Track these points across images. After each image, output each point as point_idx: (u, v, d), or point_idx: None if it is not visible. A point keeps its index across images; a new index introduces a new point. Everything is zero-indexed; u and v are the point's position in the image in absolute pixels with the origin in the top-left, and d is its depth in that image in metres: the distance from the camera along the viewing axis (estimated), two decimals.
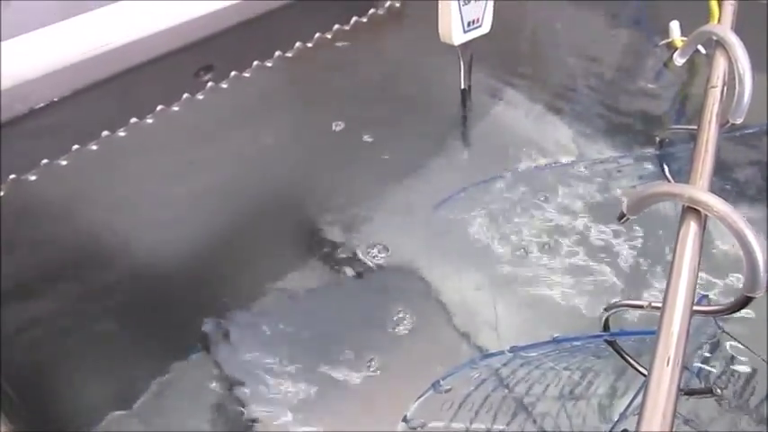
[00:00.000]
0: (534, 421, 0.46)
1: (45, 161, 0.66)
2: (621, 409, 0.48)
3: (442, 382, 0.47)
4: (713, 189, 0.38)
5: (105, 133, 0.69)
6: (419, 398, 0.47)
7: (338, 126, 0.70)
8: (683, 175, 0.61)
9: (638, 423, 0.28)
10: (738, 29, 0.53)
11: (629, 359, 0.44)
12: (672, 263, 0.33)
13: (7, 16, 0.61)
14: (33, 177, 0.65)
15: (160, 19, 0.66)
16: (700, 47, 0.69)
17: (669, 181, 0.61)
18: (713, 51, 0.50)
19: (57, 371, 0.54)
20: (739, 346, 0.49)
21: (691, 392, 0.45)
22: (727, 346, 0.49)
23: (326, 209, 0.63)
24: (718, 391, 0.45)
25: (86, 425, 0.49)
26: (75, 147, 0.67)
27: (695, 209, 0.34)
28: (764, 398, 0.48)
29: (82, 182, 0.66)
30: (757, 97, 0.48)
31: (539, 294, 0.56)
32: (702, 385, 0.47)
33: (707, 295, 0.49)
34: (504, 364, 0.46)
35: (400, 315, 0.56)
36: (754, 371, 0.48)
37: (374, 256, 0.60)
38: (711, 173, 0.38)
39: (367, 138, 0.69)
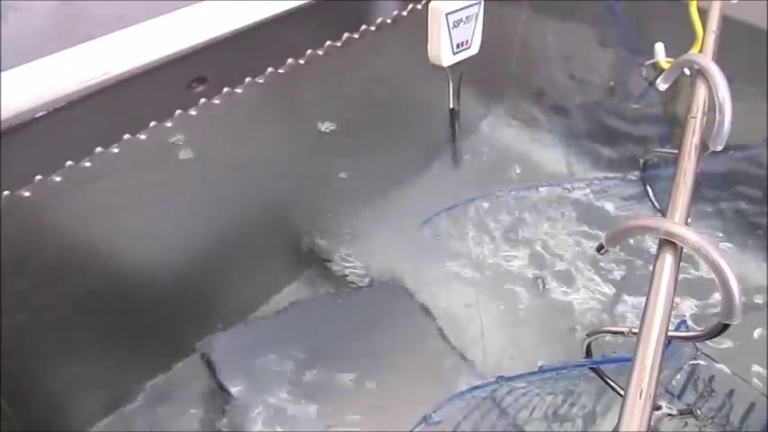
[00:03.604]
0: None
1: (39, 177, 0.66)
2: (605, 428, 0.49)
3: (432, 415, 0.48)
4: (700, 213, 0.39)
5: (98, 149, 0.69)
6: None
7: (328, 145, 0.71)
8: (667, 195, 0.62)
9: None
10: (731, 53, 0.54)
11: (611, 383, 0.45)
12: (648, 295, 0.34)
13: (4, 46, 0.61)
14: (27, 194, 0.66)
15: (160, 46, 0.67)
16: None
17: (652, 203, 0.62)
18: (694, 79, 0.51)
19: (50, 381, 0.55)
20: (717, 366, 0.50)
21: (672, 414, 0.46)
22: (706, 368, 0.50)
23: (315, 226, 0.64)
24: (699, 411, 0.47)
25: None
26: (69, 163, 0.68)
27: (671, 241, 0.36)
28: (742, 417, 0.49)
29: (76, 198, 0.66)
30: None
31: (525, 310, 0.57)
32: (683, 406, 0.48)
33: (685, 320, 0.50)
34: (493, 391, 0.47)
35: (387, 329, 0.57)
36: (732, 390, 0.50)
37: (360, 271, 0.61)
38: (689, 204, 0.39)
39: (356, 154, 0.70)
